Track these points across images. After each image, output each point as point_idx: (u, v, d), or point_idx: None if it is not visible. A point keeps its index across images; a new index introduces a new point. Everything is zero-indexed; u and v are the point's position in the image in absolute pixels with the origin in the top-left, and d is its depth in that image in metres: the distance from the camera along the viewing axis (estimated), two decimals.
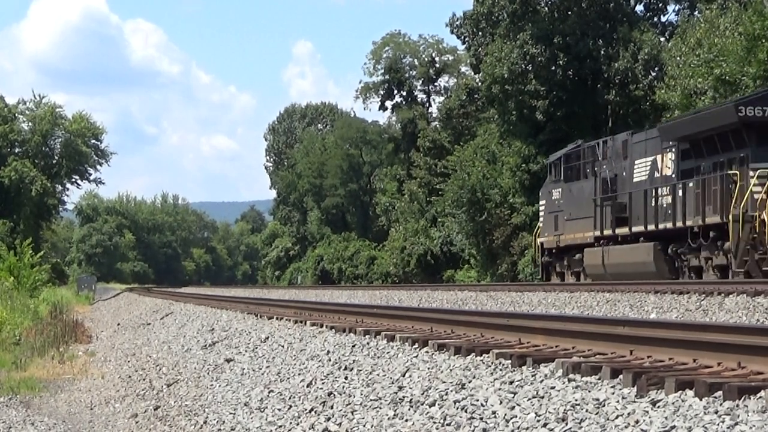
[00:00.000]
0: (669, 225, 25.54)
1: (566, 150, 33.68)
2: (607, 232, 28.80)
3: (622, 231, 27.98)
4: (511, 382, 7.36)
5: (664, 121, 29.40)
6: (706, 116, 24.78)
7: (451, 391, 7.63)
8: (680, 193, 24.99)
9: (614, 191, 28.95)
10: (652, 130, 28.29)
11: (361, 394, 8.68)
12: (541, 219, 34.75)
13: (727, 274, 23.10)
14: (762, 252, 21.92)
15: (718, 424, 5.25)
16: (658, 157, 26.82)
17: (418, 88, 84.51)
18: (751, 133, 22.80)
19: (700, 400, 5.74)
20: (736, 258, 22.44)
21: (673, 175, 25.95)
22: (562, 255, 32.41)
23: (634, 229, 27.38)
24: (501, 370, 7.93)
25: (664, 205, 25.91)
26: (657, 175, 26.79)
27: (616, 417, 5.84)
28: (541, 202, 35.25)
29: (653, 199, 26.37)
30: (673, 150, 26.08)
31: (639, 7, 55.31)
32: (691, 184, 24.58)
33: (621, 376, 6.60)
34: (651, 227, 26.43)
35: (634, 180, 27.87)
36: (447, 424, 6.84)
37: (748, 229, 22.02)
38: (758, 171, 22.09)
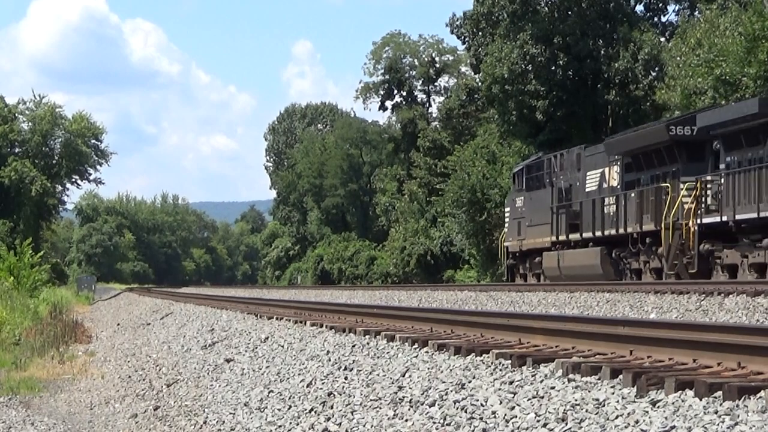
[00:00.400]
0: (613, 231, 28.15)
1: (528, 161, 36.78)
2: (562, 237, 31.35)
3: (575, 237, 30.54)
4: (511, 382, 7.36)
5: (612, 137, 31.99)
6: (643, 134, 27.58)
7: (451, 391, 7.63)
8: (623, 202, 27.61)
9: (569, 200, 31.50)
10: (600, 145, 30.77)
11: (361, 394, 8.68)
12: (506, 225, 37.64)
13: (661, 276, 25.39)
14: (689, 256, 24.28)
15: (718, 424, 5.25)
16: (606, 169, 29.45)
17: (418, 88, 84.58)
18: (681, 150, 25.69)
19: (700, 400, 5.74)
20: (667, 261, 24.91)
21: (618, 186, 28.52)
22: (525, 258, 34.92)
23: (585, 235, 29.87)
24: (501, 370, 7.93)
25: (610, 214, 28.51)
26: (605, 186, 29.48)
27: (616, 417, 5.84)
28: (506, 209, 38.20)
29: (600, 207, 29.03)
30: (618, 163, 28.68)
31: (639, 7, 55.33)
32: (632, 195, 27.15)
33: (621, 376, 6.60)
34: (598, 233, 29.02)
35: (586, 190, 30.46)
36: (447, 424, 6.84)
37: (677, 236, 24.51)
38: (686, 184, 24.50)
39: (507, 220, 37.43)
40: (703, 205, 24.20)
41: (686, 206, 24.42)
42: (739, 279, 22.10)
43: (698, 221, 24.11)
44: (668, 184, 25.29)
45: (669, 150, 26.04)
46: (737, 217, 22.53)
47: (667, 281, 23.31)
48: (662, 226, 25.07)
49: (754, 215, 21.81)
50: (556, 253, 31.62)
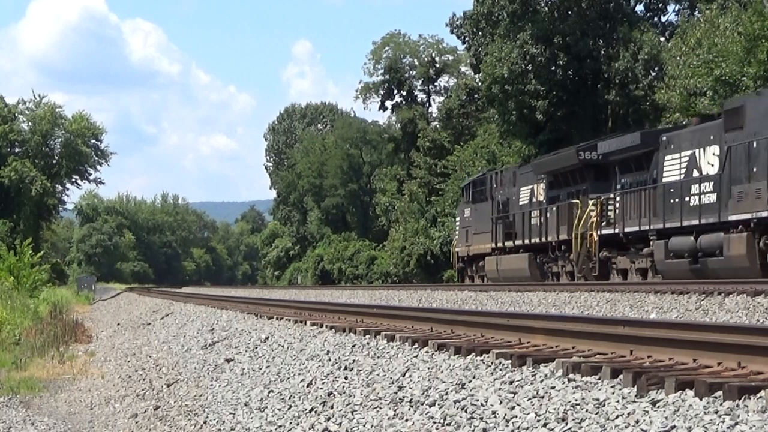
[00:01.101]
0: (538, 240, 32.89)
1: (474, 177, 42.13)
2: (500, 244, 35.81)
3: (509, 244, 35.09)
4: (511, 382, 7.36)
5: (539, 159, 37.33)
6: (561, 157, 32.34)
7: (451, 391, 7.63)
8: (546, 215, 32.46)
9: (506, 212, 36.02)
10: (530, 165, 35.82)
11: (361, 394, 8.68)
12: (456, 232, 42.48)
13: (574, 277, 29.96)
14: (593, 262, 28.95)
15: (718, 424, 5.25)
16: (535, 186, 34.18)
17: (418, 88, 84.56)
18: (589, 172, 30.48)
19: (700, 400, 5.74)
20: (577, 266, 29.58)
21: (543, 201, 33.22)
22: (472, 262, 39.47)
23: (517, 242, 34.50)
24: (501, 370, 7.93)
25: (536, 224, 33.17)
26: (533, 200, 34.21)
27: (616, 417, 5.84)
28: (456, 219, 43.34)
29: (529, 219, 33.79)
30: (544, 181, 33.36)
31: (639, 7, 55.33)
32: (552, 209, 31.85)
33: (621, 376, 6.60)
34: (527, 241, 33.69)
35: (519, 203, 35.18)
36: (447, 424, 6.84)
37: (585, 245, 29.07)
38: (592, 200, 29.07)
39: (457, 228, 42.32)
40: (604, 219, 28.71)
41: (591, 219, 29.03)
42: (629, 281, 26.58)
43: (599, 232, 28.64)
44: (578, 201, 29.86)
45: (580, 171, 30.90)
46: (626, 229, 27.25)
47: (668, 281, 23.37)
48: (573, 236, 29.64)
49: (637, 228, 26.56)
50: (495, 258, 36.13)
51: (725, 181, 22.97)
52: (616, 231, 27.81)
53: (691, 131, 25.29)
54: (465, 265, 40.33)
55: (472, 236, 39.14)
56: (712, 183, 23.56)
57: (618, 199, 28.01)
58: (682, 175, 24.98)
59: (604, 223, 28.63)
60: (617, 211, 28.10)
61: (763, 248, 21.53)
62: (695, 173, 24.42)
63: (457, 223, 42.44)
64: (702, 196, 24.01)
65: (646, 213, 26.30)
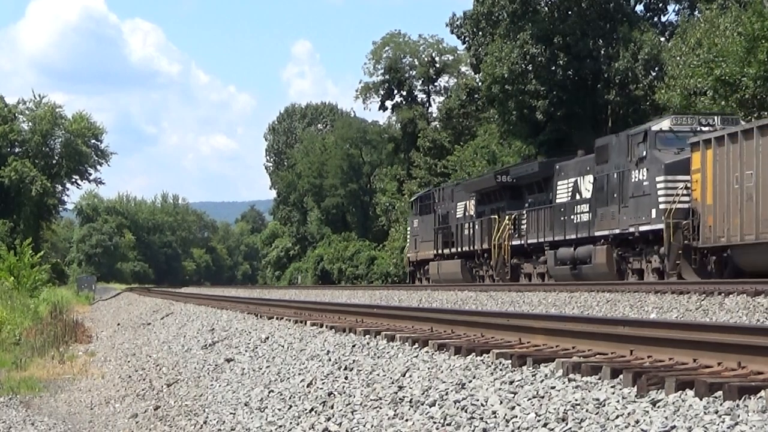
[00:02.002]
0: (468, 248, 38.48)
1: (421, 193, 48.86)
2: (440, 251, 41.44)
3: (447, 251, 40.69)
4: (511, 382, 7.36)
5: (469, 179, 44.94)
6: (484, 179, 39.12)
7: (451, 391, 7.63)
8: (474, 227, 38.06)
9: (446, 224, 41.31)
10: (463, 184, 42.34)
11: (361, 394, 8.68)
12: (407, 240, 49.28)
13: (494, 280, 35.24)
14: (507, 267, 34.78)
15: (718, 424, 5.25)
16: (467, 202, 39.79)
17: (418, 88, 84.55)
18: (506, 192, 36.18)
19: (701, 400, 5.74)
20: (495, 270, 35.52)
21: (473, 215, 38.78)
22: (420, 266, 45.12)
23: (453, 250, 40.09)
24: (501, 370, 7.93)
25: (467, 235, 38.65)
26: (467, 214, 39.64)
27: (617, 417, 5.84)
28: (408, 229, 49.58)
29: (462, 230, 39.37)
30: (474, 198, 39.23)
31: (639, 7, 55.35)
32: (479, 222, 37.64)
33: (621, 376, 6.60)
34: (461, 249, 39.34)
35: (456, 216, 40.61)
36: (447, 424, 6.84)
37: (501, 253, 35.00)
38: (507, 216, 34.88)
39: (408, 237, 48.49)
40: (516, 232, 34.52)
41: (505, 232, 34.84)
42: (533, 283, 31.78)
43: (511, 243, 34.63)
44: (496, 216, 35.74)
45: (499, 192, 36.66)
46: (528, 241, 33.73)
47: (668, 281, 23.41)
48: (492, 245, 35.41)
49: (536, 240, 32.94)
50: (437, 263, 41.72)
51: (594, 204, 28.93)
52: (522, 242, 34.17)
53: (576, 162, 31.03)
54: (415, 268, 46.10)
55: (419, 244, 44.89)
56: (587, 205, 29.56)
57: (525, 215, 34.19)
58: (569, 198, 30.98)
59: (516, 236, 34.53)
60: (524, 225, 34.22)
61: (617, 258, 27.74)
62: (577, 197, 30.46)
63: (408, 232, 48.63)
64: (581, 215, 30.01)
65: (543, 228, 32.51)
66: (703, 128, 26.09)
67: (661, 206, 25.39)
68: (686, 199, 24.99)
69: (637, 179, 26.72)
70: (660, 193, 25.64)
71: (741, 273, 22.76)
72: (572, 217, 30.47)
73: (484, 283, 35.34)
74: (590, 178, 29.39)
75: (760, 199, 22.09)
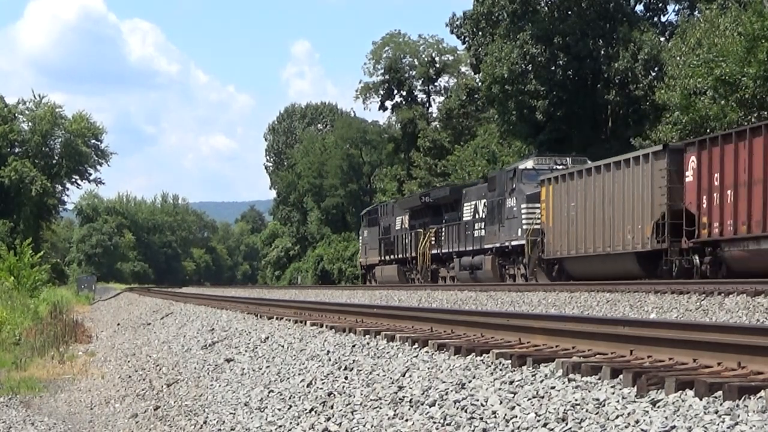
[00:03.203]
0: (402, 255, 46.49)
1: (369, 208, 58.08)
2: (383, 258, 49.35)
3: (388, 257, 48.61)
4: (511, 382, 7.36)
5: (403, 198, 55.59)
6: (412, 199, 48.33)
7: (451, 391, 7.63)
8: (409, 238, 45.70)
9: (388, 234, 49.21)
10: (401, 202, 50.98)
11: (361, 394, 8.68)
12: (360, 248, 57.05)
13: (420, 281, 42.97)
14: (428, 271, 42.60)
15: (718, 424, 5.25)
16: (403, 217, 47.63)
17: (418, 88, 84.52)
18: (429, 210, 43.93)
19: (700, 400, 5.74)
20: (421, 273, 43.51)
21: (408, 228, 46.54)
22: (369, 269, 52.79)
23: (393, 257, 47.93)
24: (501, 370, 7.93)
25: (402, 245, 46.61)
26: (403, 227, 47.39)
27: (616, 417, 5.84)
28: (360, 238, 57.60)
29: (400, 240, 47.26)
30: (407, 214, 46.99)
31: (639, 7, 55.31)
32: (411, 234, 45.26)
33: (621, 376, 6.60)
34: (398, 256, 47.26)
35: (396, 228, 48.39)
36: (447, 424, 6.84)
37: (425, 259, 42.75)
38: (429, 230, 42.60)
39: (360, 245, 57.01)
40: (436, 243, 41.90)
41: (428, 243, 42.52)
42: (447, 284, 37.45)
43: (431, 252, 42.37)
44: (422, 230, 43.47)
45: (424, 209, 44.51)
46: (443, 250, 41.18)
47: (667, 281, 23.43)
48: (418, 253, 43.50)
49: (448, 250, 40.43)
50: (381, 267, 49.51)
51: (485, 223, 36.47)
52: (439, 251, 41.72)
53: (476, 188, 38.72)
54: (365, 271, 54.15)
55: (368, 251, 52.68)
56: (482, 223, 36.84)
57: (442, 230, 41.54)
58: (471, 217, 38.07)
59: (435, 246, 41.98)
60: (442, 238, 41.38)
61: (499, 265, 35.29)
62: (476, 216, 37.60)
63: (360, 241, 57.21)
64: (478, 231, 37.17)
65: (454, 240, 39.79)
66: (558, 167, 33.19)
67: (524, 226, 33.09)
68: (539, 221, 32.25)
69: (509, 205, 34.42)
70: (523, 216, 33.33)
71: (571, 277, 30.30)
72: (472, 232, 37.72)
73: (414, 284, 42.22)
74: (484, 201, 36.71)
75: (579, 224, 29.60)
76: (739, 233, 22.70)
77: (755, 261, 22.48)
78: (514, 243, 33.88)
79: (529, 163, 34.62)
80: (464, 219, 38.61)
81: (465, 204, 38.65)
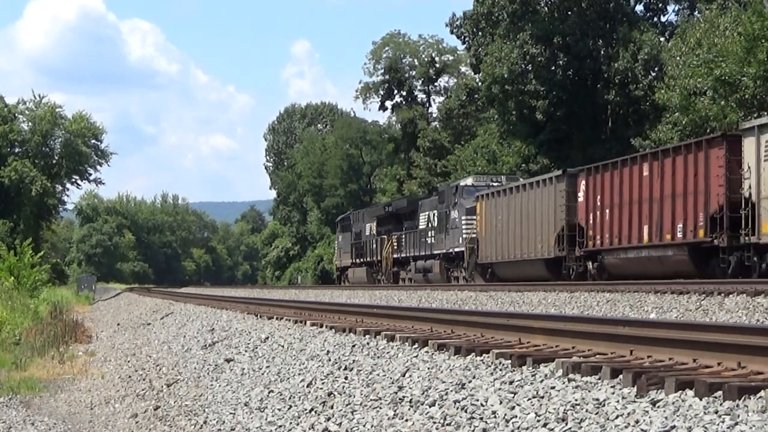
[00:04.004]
0: (370, 258, 51.33)
1: (343, 216, 62.65)
2: (354, 261, 54.10)
3: (359, 261, 53.43)
4: (511, 382, 7.36)
5: (371, 207, 61.07)
6: (380, 208, 53.24)
7: (451, 391, 7.63)
8: (376, 243, 50.52)
9: (359, 240, 53.95)
10: (370, 210, 56.08)
11: (361, 394, 8.68)
12: (335, 252, 63.34)
13: (385, 281, 47.72)
14: (391, 273, 47.68)
15: (718, 424, 5.25)
16: (371, 224, 51.99)
17: (418, 88, 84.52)
18: (392, 218, 49.19)
19: (700, 400, 5.74)
20: (385, 275, 48.48)
21: (375, 234, 50.94)
22: (342, 271, 58.09)
23: (363, 260, 52.66)
24: (501, 370, 7.93)
25: (370, 249, 51.40)
26: (371, 233, 51.92)
27: (616, 417, 5.84)
28: (335, 243, 64.93)
29: (368, 245, 52.06)
30: (375, 222, 51.47)
31: (639, 7, 55.32)
32: (378, 240, 50.06)
33: (621, 376, 6.60)
34: (367, 259, 51.87)
35: (365, 234, 52.92)
36: (447, 424, 6.84)
37: (388, 263, 47.65)
38: (392, 236, 47.57)
39: (335, 249, 63.40)
40: (397, 248, 46.83)
41: (391, 248, 47.52)
42: (407, 284, 41.66)
43: (393, 256, 47.27)
44: (386, 236, 48.41)
45: (388, 218, 49.79)
46: (402, 255, 46.16)
47: (667, 281, 23.43)
48: (383, 257, 48.56)
49: (406, 254, 45.43)
50: (352, 269, 54.41)
51: (435, 231, 41.26)
52: (399, 256, 46.79)
53: (429, 200, 43.91)
54: (340, 273, 59.35)
55: (342, 255, 57.88)
56: (434, 231, 41.56)
57: (403, 236, 46.48)
58: (425, 226, 42.82)
59: (397, 250, 46.95)
60: (402, 243, 46.33)
61: (445, 268, 39.99)
62: (429, 225, 42.31)
63: (335, 246, 64.20)
64: (430, 238, 42.05)
65: (412, 246, 44.74)
66: (494, 184, 37.83)
67: (464, 235, 37.77)
68: (476, 231, 36.89)
69: (453, 217, 39.22)
70: (463, 227, 38.01)
71: (500, 279, 34.68)
72: (426, 239, 42.62)
73: (380, 284, 46.11)
74: (435, 212, 41.41)
75: (504, 234, 34.37)
76: (614, 245, 27.79)
77: (625, 267, 27.36)
78: (456, 249, 38.97)
79: (469, 181, 39.86)
80: (420, 227, 43.74)
81: (421, 214, 43.81)
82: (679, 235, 24.71)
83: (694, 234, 24.08)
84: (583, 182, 29.47)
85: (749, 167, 21.94)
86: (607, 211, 28.02)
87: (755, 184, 21.74)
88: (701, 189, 23.82)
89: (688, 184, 24.34)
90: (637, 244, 26.62)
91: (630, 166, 27.05)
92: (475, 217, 37.03)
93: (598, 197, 28.48)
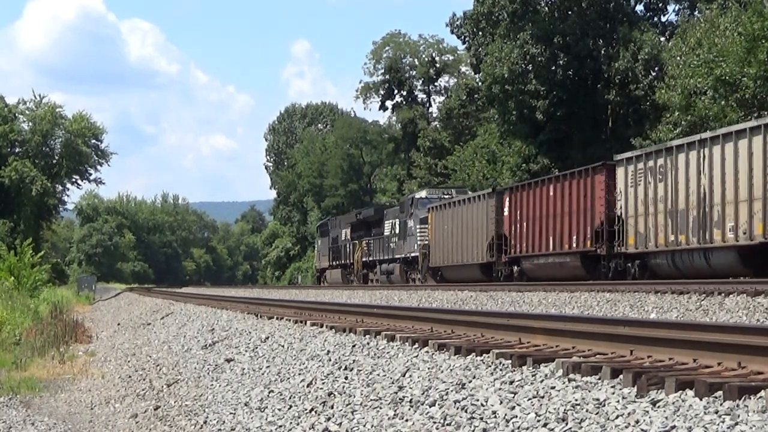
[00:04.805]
0: (345, 261, 56.07)
1: (321, 222, 69.34)
2: (331, 263, 59.40)
3: (335, 263, 58.38)
4: (511, 382, 7.36)
5: (346, 215, 65.43)
6: (352, 216, 57.37)
7: (452, 391, 7.63)
8: (349, 248, 55.14)
9: (335, 244, 58.73)
10: (345, 217, 61.21)
11: (361, 394, 8.68)
12: (315, 255, 69.50)
13: (356, 282, 52.12)
14: (360, 274, 52.10)
15: (718, 424, 5.25)
16: (346, 230, 56.77)
17: (418, 88, 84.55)
18: (363, 225, 53.16)
19: (700, 400, 5.74)
20: (356, 276, 52.81)
21: (349, 239, 55.41)
22: (321, 272, 63.76)
23: (339, 262, 57.46)
24: (501, 370, 7.93)
25: (345, 253, 56.16)
26: (346, 238, 56.57)
27: (617, 417, 5.84)
28: (315, 247, 70.68)
29: (344, 249, 56.51)
30: (349, 228, 55.95)
31: (639, 7, 55.32)
32: (351, 244, 54.53)
33: (621, 376, 6.60)
34: (341, 262, 56.82)
35: (342, 239, 57.40)
36: (447, 424, 6.84)
37: (357, 265, 52.34)
38: (363, 241, 52.11)
39: (316, 252, 69.45)
40: (367, 252, 51.10)
41: (361, 252, 52.10)
42: (374, 285, 46.13)
43: (363, 259, 51.81)
44: (357, 242, 53.10)
45: (359, 225, 53.83)
46: (370, 258, 50.66)
47: (666, 281, 23.47)
48: (354, 260, 53.14)
49: (373, 258, 50.10)
50: (330, 271, 59.63)
51: (396, 238, 46.43)
52: (367, 259, 51.40)
53: (393, 210, 49.04)
54: (320, 274, 64.76)
55: (321, 257, 63.95)
56: (396, 238, 46.50)
57: (371, 242, 50.89)
58: (390, 233, 47.68)
59: (366, 254, 51.25)
60: (371, 248, 50.82)
61: (405, 271, 45.12)
62: (393, 232, 47.26)
63: (315, 249, 70.44)
64: (393, 244, 47.06)
65: (378, 250, 49.48)
66: (445, 196, 42.80)
67: (418, 242, 42.93)
68: (428, 239, 41.42)
69: (410, 225, 44.62)
70: (418, 235, 43.19)
71: (447, 280, 38.87)
72: (390, 244, 47.56)
73: (353, 285, 50.56)
74: (397, 221, 46.59)
75: (449, 242, 38.87)
76: (529, 252, 32.78)
77: (538, 271, 32.36)
78: (412, 254, 44.12)
79: (423, 193, 45.93)
80: (385, 234, 48.56)
81: (386, 222, 48.74)
82: (574, 245, 29.70)
83: (584, 244, 29.08)
84: (508, 199, 34.42)
85: (621, 191, 27.37)
86: (525, 224, 33.12)
87: (624, 205, 27.15)
88: (589, 208, 28.96)
89: (581, 204, 29.39)
90: (545, 252, 31.66)
91: (541, 187, 32.19)
92: (427, 226, 41.76)
93: (518, 212, 33.54)
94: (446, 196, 42.51)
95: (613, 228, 27.51)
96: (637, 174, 26.50)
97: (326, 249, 61.01)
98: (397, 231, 46.24)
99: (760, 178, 22.02)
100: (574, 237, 29.62)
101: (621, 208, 27.19)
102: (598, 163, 29.17)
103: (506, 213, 34.36)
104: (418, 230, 43.11)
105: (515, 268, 33.92)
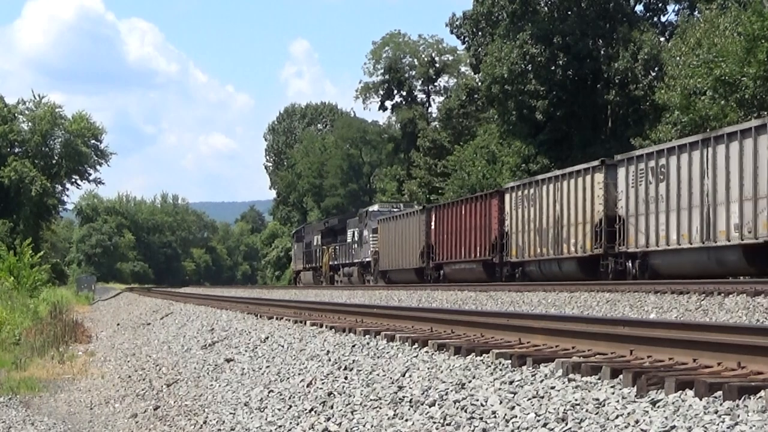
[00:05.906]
0: (315, 265, 63.07)
1: (297, 228, 77.61)
2: (305, 266, 66.71)
3: (309, 266, 65.45)
4: (511, 382, 7.36)
5: (316, 222, 74.90)
6: (320, 224, 65.79)
7: (451, 391, 7.63)
8: (319, 252, 61.97)
9: (309, 249, 65.53)
10: (316, 224, 69.87)
11: (361, 394, 8.68)
12: (293, 258, 75.32)
13: (324, 282, 58.92)
14: (328, 276, 58.55)
15: (718, 424, 5.25)
16: (318, 236, 63.28)
17: (418, 88, 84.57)
18: (331, 232, 59.70)
19: (700, 400, 5.74)
20: (324, 277, 59.69)
21: (320, 244, 62.04)
22: (297, 274, 70.80)
23: (312, 265, 64.46)
24: (501, 370, 7.92)
25: (317, 257, 62.86)
26: (317, 244, 63.20)
27: (616, 417, 5.84)
28: (292, 252, 77.78)
29: (314, 254, 63.76)
30: (319, 234, 62.76)
31: (639, 7, 55.32)
32: (321, 249, 61.09)
33: (621, 376, 6.59)
34: (314, 265, 63.56)
35: (314, 244, 64.21)
36: (447, 424, 6.84)
37: (326, 268, 59.58)
38: (330, 247, 58.59)
39: (293, 256, 75.38)
40: (333, 257, 57.69)
41: (328, 256, 58.44)
42: (338, 285, 52.94)
43: (330, 263, 57.95)
44: (326, 247, 59.73)
45: (327, 232, 60.53)
46: (336, 262, 56.88)
47: (666, 281, 23.44)
48: (323, 263, 59.80)
49: (338, 262, 56.46)
50: (303, 273, 67.08)
51: (356, 245, 53.00)
52: (333, 263, 57.54)
53: (353, 220, 55.06)
54: (295, 275, 71.69)
55: (296, 261, 71.01)
56: (356, 245, 53.12)
57: (337, 247, 57.30)
58: (351, 240, 54.16)
59: (333, 259, 57.38)
60: (337, 253, 57.13)
61: (360, 274, 52.02)
62: (354, 239, 53.58)
63: (292, 254, 76.69)
64: (353, 250, 53.50)
65: (342, 255, 55.83)
66: (394, 210, 49.81)
67: (372, 249, 49.93)
68: (378, 247, 48.54)
69: (365, 234, 51.74)
70: (371, 243, 50.33)
71: (392, 282, 45.70)
72: (350, 250, 54.36)
73: (322, 285, 56.74)
74: (356, 230, 53.28)
75: (394, 249, 45.97)
76: (448, 259, 39.56)
77: (455, 274, 38.88)
78: (366, 260, 51.32)
79: (375, 207, 54.63)
80: (347, 241, 55.21)
81: (348, 230, 55.32)
82: (478, 254, 36.67)
83: (483, 254, 36.28)
84: (434, 215, 41.59)
85: (508, 213, 34.31)
86: (445, 236, 40.00)
87: (508, 224, 34.21)
88: (486, 225, 36.11)
89: (481, 222, 36.47)
90: (459, 259, 38.43)
91: (458, 206, 39.12)
92: (377, 236, 48.91)
93: (441, 226, 40.38)
94: (395, 210, 49.65)
95: (503, 241, 34.81)
96: (523, 198, 33.28)
97: (301, 253, 68.52)
98: (356, 239, 53.34)
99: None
100: (477, 248, 36.72)
101: (508, 227, 34.32)
102: (493, 191, 37.63)
103: (433, 227, 41.42)
104: (371, 239, 50.36)
105: (441, 272, 40.69)
